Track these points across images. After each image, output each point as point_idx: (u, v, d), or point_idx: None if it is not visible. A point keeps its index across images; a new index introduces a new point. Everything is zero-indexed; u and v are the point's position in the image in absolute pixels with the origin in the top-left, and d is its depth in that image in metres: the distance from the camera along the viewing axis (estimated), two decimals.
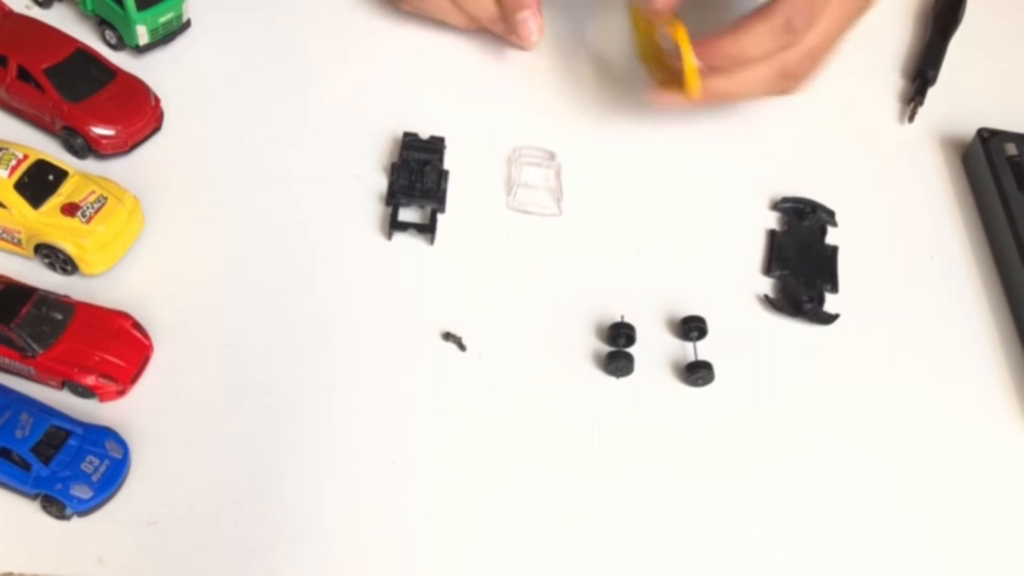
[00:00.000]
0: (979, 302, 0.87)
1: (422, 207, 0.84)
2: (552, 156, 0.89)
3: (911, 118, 0.99)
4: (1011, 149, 0.92)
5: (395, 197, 0.83)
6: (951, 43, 1.04)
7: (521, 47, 0.93)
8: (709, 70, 0.82)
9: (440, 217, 0.84)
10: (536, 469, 0.72)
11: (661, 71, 0.87)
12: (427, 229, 0.82)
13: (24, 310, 0.70)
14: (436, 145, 0.86)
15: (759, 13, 0.81)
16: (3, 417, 0.66)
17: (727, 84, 0.83)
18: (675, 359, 0.79)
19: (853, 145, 0.97)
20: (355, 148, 0.87)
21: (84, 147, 0.81)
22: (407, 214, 0.83)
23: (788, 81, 0.85)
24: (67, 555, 0.64)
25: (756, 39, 0.80)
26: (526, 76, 0.96)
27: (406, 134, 0.86)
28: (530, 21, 0.88)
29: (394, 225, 0.82)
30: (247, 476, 0.69)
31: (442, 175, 0.85)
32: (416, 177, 0.84)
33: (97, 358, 0.70)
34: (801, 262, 0.86)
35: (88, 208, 0.75)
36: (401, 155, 0.85)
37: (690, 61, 0.81)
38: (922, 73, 1.01)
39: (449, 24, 0.94)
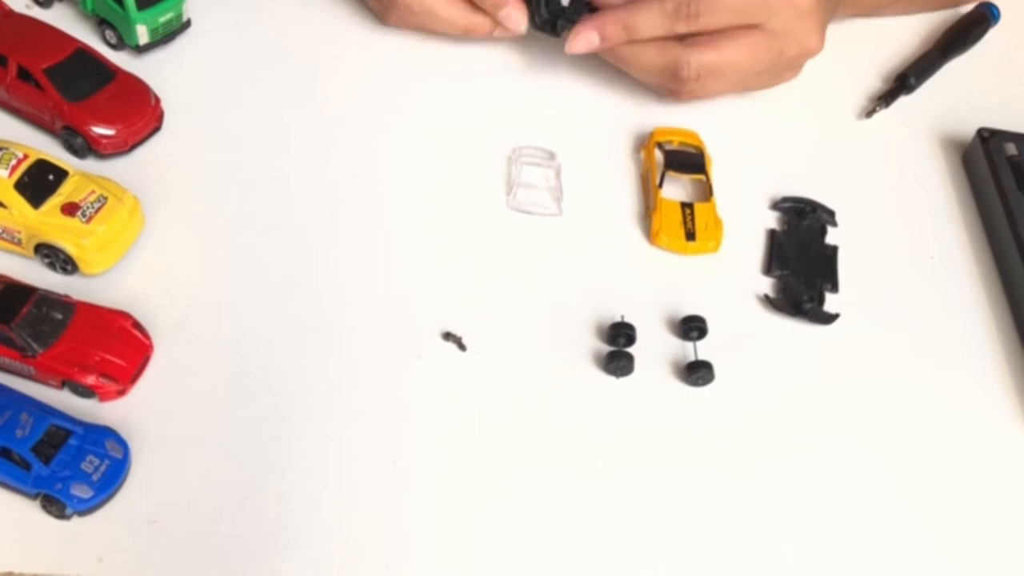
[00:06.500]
0: (979, 302, 0.87)
1: None
2: (552, 156, 0.89)
3: (869, 115, 0.98)
4: (1011, 149, 0.92)
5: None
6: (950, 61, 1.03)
7: (510, 35, 0.92)
8: (603, 32, 0.87)
9: (440, 216, 0.84)
10: (536, 469, 0.72)
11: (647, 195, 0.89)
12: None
13: (24, 310, 0.70)
14: None
15: None
16: (3, 417, 0.66)
17: (620, 49, 0.89)
18: (675, 359, 0.79)
19: (853, 145, 0.97)
20: (354, 147, 0.87)
21: (84, 147, 0.81)
22: None
23: (674, 81, 0.88)
24: (67, 555, 0.64)
25: (647, 14, 0.85)
26: (526, 76, 0.96)
27: None
28: (513, 14, 0.89)
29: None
30: (247, 476, 0.69)
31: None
32: None
33: (97, 357, 0.70)
34: (801, 262, 0.86)
35: (88, 208, 0.75)
36: None
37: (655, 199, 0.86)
38: (903, 78, 1.00)
39: (438, 33, 0.93)
